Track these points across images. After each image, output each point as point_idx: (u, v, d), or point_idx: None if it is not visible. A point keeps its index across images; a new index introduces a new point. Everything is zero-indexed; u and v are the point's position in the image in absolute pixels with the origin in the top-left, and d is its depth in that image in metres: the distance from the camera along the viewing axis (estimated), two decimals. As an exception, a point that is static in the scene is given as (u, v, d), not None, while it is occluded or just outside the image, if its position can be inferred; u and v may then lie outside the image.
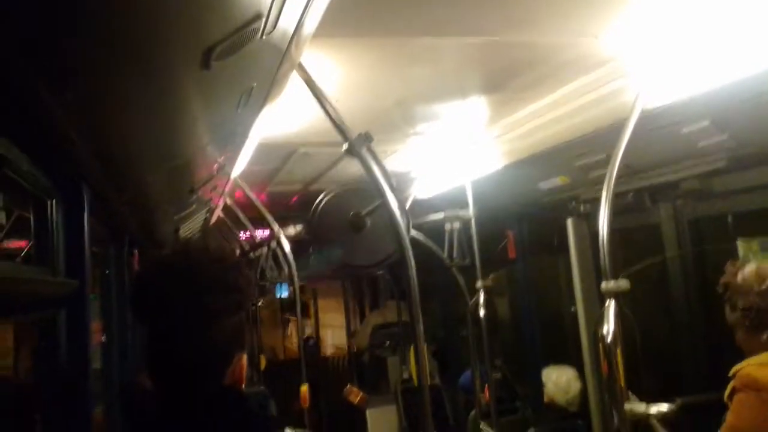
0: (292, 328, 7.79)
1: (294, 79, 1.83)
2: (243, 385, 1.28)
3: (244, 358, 1.27)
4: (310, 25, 1.37)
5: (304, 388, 3.93)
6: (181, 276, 1.18)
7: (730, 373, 1.96)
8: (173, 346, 1.18)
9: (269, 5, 0.98)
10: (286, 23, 1.15)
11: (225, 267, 1.21)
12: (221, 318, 1.18)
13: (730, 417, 1.91)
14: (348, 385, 5.75)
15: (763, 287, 1.95)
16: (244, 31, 1.00)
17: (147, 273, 1.31)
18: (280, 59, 1.46)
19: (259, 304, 7.61)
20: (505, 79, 2.50)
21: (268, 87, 1.61)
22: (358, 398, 5.53)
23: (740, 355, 2.03)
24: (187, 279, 1.17)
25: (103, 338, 2.66)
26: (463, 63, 2.30)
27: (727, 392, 1.95)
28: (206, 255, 1.23)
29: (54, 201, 1.60)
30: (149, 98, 1.11)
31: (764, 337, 1.95)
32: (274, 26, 1.09)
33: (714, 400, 2.05)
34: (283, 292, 8.05)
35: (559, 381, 3.92)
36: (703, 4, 1.82)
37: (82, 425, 1.68)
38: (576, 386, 3.88)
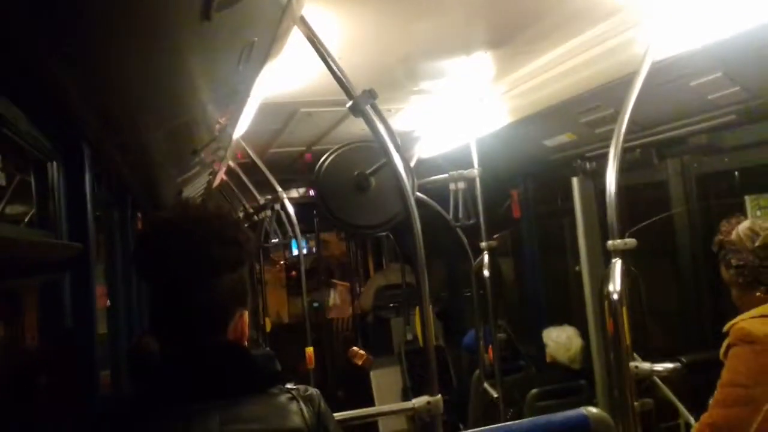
0: (341, 292, 7.39)
1: (296, 36, 1.79)
2: (246, 342, 1.28)
3: (246, 314, 1.28)
4: (312, -24, 1.33)
5: (310, 350, 3.96)
6: (179, 231, 1.19)
7: (724, 330, 1.96)
8: (174, 301, 1.19)
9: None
10: (288, -28, 1.11)
11: (223, 222, 1.21)
12: (220, 272, 1.19)
13: (725, 373, 1.92)
14: (353, 347, 5.79)
15: (757, 244, 1.94)
16: (245, -20, 0.96)
17: (147, 230, 1.31)
18: (281, 12, 1.42)
19: (281, 262, 7.42)
20: (512, 33, 2.45)
21: (269, 42, 1.57)
22: (363, 360, 5.57)
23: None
24: (185, 233, 1.18)
25: (108, 302, 2.65)
26: (469, 15, 2.24)
27: (722, 350, 1.95)
28: (204, 211, 1.24)
29: (55, 163, 1.58)
30: (150, 52, 1.08)
31: (758, 294, 1.95)
32: (276, -25, 1.05)
33: (718, 358, 2.05)
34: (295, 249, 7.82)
35: (559, 339, 3.94)
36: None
37: (89, 389, 1.68)
38: (577, 343, 3.90)
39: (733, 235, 2.00)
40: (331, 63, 1.87)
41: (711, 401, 1.94)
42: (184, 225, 1.19)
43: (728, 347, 1.93)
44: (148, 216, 3.24)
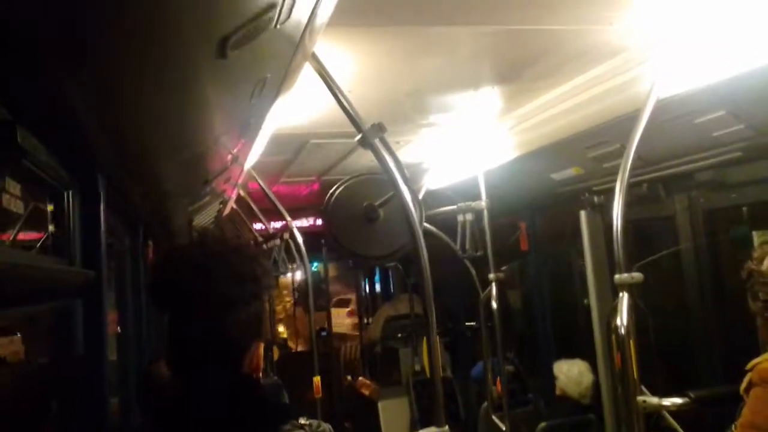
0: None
1: (307, 70, 1.83)
2: (260, 374, 1.29)
3: (261, 346, 1.28)
4: (324, 15, 1.37)
5: (317, 379, 3.94)
6: (198, 266, 1.19)
7: (748, 367, 1.92)
8: (191, 335, 1.19)
9: (283, -6, 0.98)
10: (300, 13, 1.16)
11: (242, 257, 1.21)
12: (238, 307, 1.19)
13: (746, 412, 1.86)
14: (360, 378, 5.76)
15: None
16: (259, 21, 1.00)
17: (165, 262, 1.31)
18: (294, 49, 1.46)
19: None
20: (519, 69, 2.49)
21: (281, 77, 1.61)
22: (370, 390, 5.54)
23: (755, 348, 2.00)
24: (204, 269, 1.18)
25: (119, 329, 2.68)
26: (477, 52, 2.29)
27: (743, 385, 1.90)
28: (223, 245, 1.24)
29: (71, 192, 1.61)
30: (166, 87, 1.12)
31: None
32: (288, 16, 1.09)
33: (727, 394, 2.01)
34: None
35: (570, 373, 3.90)
36: (720, -9, 1.80)
37: (98, 415, 1.70)
38: (588, 378, 3.86)
39: (764, 265, 1.92)
40: (341, 97, 1.91)
41: None
42: (201, 261, 1.19)
43: (750, 385, 1.88)
44: (164, 246, 3.27)
